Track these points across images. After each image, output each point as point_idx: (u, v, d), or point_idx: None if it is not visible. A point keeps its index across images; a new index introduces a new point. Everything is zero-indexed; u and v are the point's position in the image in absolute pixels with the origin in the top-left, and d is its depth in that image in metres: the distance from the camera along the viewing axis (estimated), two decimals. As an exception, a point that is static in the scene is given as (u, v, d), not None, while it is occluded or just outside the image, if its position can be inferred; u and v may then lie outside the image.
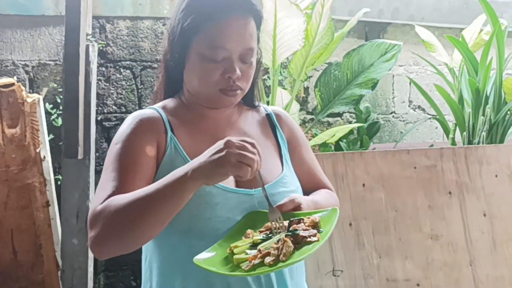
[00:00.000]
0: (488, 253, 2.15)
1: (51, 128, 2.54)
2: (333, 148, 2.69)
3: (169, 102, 1.21)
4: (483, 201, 2.18)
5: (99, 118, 2.68)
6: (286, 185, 1.17)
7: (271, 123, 1.26)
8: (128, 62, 2.74)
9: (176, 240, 1.09)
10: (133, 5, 2.69)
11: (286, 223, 1.05)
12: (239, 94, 1.15)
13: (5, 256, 2.40)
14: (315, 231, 1.00)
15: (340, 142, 2.67)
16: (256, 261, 0.97)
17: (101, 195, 1.04)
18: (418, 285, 2.11)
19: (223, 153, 0.95)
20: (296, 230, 1.00)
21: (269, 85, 2.60)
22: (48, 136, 2.49)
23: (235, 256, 1.00)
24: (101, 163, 2.74)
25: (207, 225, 1.08)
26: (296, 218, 1.05)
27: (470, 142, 2.52)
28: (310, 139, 2.70)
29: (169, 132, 1.13)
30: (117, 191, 1.03)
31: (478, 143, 2.48)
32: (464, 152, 2.19)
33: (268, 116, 1.27)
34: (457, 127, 2.68)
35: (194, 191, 0.99)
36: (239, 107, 1.26)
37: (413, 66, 3.32)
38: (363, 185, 2.13)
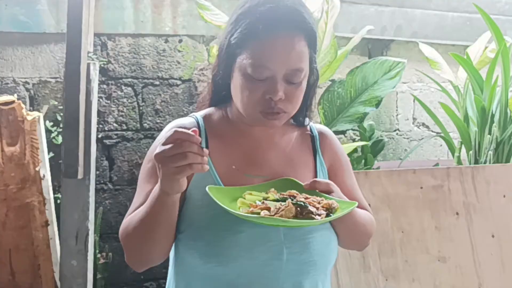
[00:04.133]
0: (497, 275, 2.11)
1: (51, 146, 2.52)
2: (336, 167, 2.66)
3: (214, 112, 1.17)
4: (491, 222, 2.14)
5: (100, 136, 2.65)
6: None
7: (313, 147, 1.20)
8: (129, 80, 2.73)
9: (198, 263, 1.06)
10: (134, 22, 2.68)
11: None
12: (283, 116, 1.07)
13: (2, 277, 2.37)
14: (324, 213, 0.99)
15: (344, 161, 2.63)
16: (255, 210, 0.98)
17: (127, 214, 1.10)
18: (425, 308, 2.06)
19: (161, 170, 0.93)
20: (304, 203, 1.00)
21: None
22: (48, 154, 2.47)
23: (240, 199, 1.02)
24: (101, 182, 2.71)
25: (229, 253, 1.04)
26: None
27: (476, 161, 2.49)
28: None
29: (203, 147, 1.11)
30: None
31: (485, 162, 2.45)
32: (471, 172, 2.15)
33: (312, 138, 1.21)
34: (463, 145, 2.64)
35: (176, 202, 1.01)
36: (285, 125, 1.18)
37: (417, 83, 3.30)
38: (369, 205, 2.09)
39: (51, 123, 2.57)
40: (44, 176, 2.39)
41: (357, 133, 3.07)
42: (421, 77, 3.23)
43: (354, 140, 3.09)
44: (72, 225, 2.26)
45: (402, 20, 3.13)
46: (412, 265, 2.07)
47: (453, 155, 2.73)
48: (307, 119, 1.21)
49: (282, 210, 0.97)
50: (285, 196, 1.04)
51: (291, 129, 1.20)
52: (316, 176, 1.17)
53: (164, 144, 0.92)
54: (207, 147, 1.10)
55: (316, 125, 1.24)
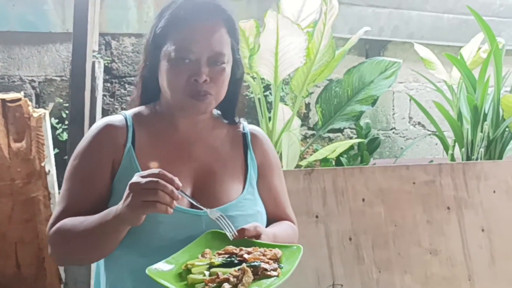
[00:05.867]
0: (486, 267, 2.17)
1: (56, 142, 2.58)
2: (334, 164, 2.73)
3: (144, 110, 1.20)
4: (481, 216, 2.20)
5: (103, 133, 2.72)
6: (242, 209, 1.14)
7: (245, 143, 1.23)
8: (132, 78, 2.80)
9: (119, 253, 1.09)
10: (138, 22, 2.76)
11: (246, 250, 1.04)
12: (210, 100, 1.11)
13: (8, 269, 2.42)
14: (276, 265, 1.00)
15: (341, 158, 2.70)
16: (213, 284, 0.95)
17: (55, 212, 1.12)
18: (417, 299, 2.12)
19: (130, 198, 0.97)
20: (257, 262, 0.99)
21: (271, 101, 2.65)
22: (53, 150, 2.53)
23: (190, 275, 0.98)
24: (105, 177, 2.78)
25: (148, 243, 1.07)
26: (256, 246, 1.05)
27: (468, 158, 2.56)
28: (311, 154, 2.74)
29: (128, 144, 1.13)
30: (65, 211, 1.10)
31: (477, 159, 2.52)
32: (462, 168, 2.22)
33: (244, 135, 1.23)
34: (456, 143, 2.71)
35: (126, 230, 1.04)
36: (215, 122, 1.22)
37: (413, 82, 3.37)
38: (363, 200, 2.16)
39: (56, 120, 2.64)
40: (49, 171, 2.45)
41: (354, 131, 3.14)
42: (417, 77, 3.30)
43: (351, 138, 3.16)
44: (77, 218, 2.32)
45: (399, 21, 3.20)
46: (404, 257, 2.14)
47: (447, 153, 2.79)
48: (237, 117, 1.23)
49: (242, 278, 0.95)
50: (225, 255, 1.02)
51: (221, 125, 1.22)
52: (247, 172, 1.19)
53: (143, 176, 0.97)
54: (133, 143, 1.13)
55: (249, 125, 1.27)
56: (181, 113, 1.15)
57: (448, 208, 2.19)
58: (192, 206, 1.10)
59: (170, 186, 0.96)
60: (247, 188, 1.18)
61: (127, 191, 0.98)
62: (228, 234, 1.06)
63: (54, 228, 1.09)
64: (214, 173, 1.16)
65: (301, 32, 2.31)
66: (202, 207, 1.07)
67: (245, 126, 1.26)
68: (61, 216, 1.10)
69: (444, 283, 2.14)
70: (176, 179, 0.97)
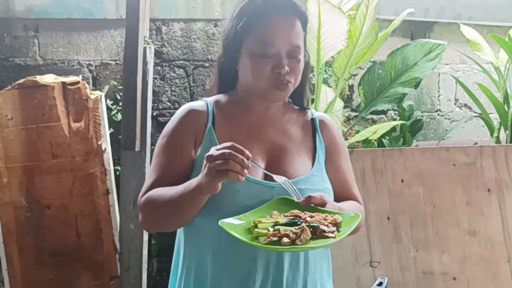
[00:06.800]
0: (527, 250, 2.17)
1: (111, 122, 2.74)
2: (376, 145, 2.76)
3: (222, 97, 1.33)
4: (522, 199, 2.19)
5: (154, 114, 2.87)
6: (311, 184, 1.25)
7: (313, 127, 1.33)
8: (181, 62, 2.92)
9: (200, 220, 1.22)
10: (186, 8, 2.86)
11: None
12: (290, 88, 1.23)
13: (70, 239, 2.64)
14: (334, 228, 1.10)
15: (383, 139, 2.73)
16: (274, 238, 1.07)
17: (146, 184, 1.25)
18: (454, 278, 2.15)
19: (206, 168, 1.08)
20: (317, 223, 1.10)
21: (314, 83, 2.70)
22: (109, 129, 2.70)
23: (256, 229, 1.11)
24: (156, 156, 2.94)
25: (226, 210, 1.18)
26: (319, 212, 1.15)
27: (512, 141, 2.53)
28: (354, 136, 2.78)
29: (209, 124, 1.26)
30: (155, 183, 1.23)
31: (521, 141, 2.49)
32: (504, 150, 2.20)
33: (312, 120, 1.34)
34: (502, 125, 2.68)
35: (205, 199, 1.15)
36: (286, 108, 1.34)
37: (460, 64, 3.32)
38: (402, 180, 2.20)
39: (111, 102, 2.80)
40: (105, 149, 2.63)
41: (398, 112, 3.14)
42: (464, 58, 3.24)
43: (394, 120, 3.16)
44: (130, 193, 2.49)
45: (445, 1, 3.14)
46: (442, 237, 2.17)
47: (492, 136, 2.76)
48: (305, 102, 1.35)
49: (300, 235, 1.06)
50: (290, 217, 1.13)
51: (291, 111, 1.34)
52: (315, 153, 1.30)
53: (217, 149, 1.08)
54: (213, 124, 1.26)
55: (316, 112, 1.38)
56: (260, 99, 1.27)
57: (489, 190, 2.18)
58: (265, 178, 1.22)
59: (240, 156, 1.06)
60: (315, 166, 1.29)
61: (204, 162, 1.09)
62: (294, 197, 1.17)
63: (144, 197, 1.23)
64: (285, 151, 1.27)
65: (343, 16, 2.34)
66: (271, 174, 1.19)
67: (313, 112, 1.37)
68: (151, 187, 1.23)
69: (483, 264, 2.16)
70: (247, 151, 1.08)
